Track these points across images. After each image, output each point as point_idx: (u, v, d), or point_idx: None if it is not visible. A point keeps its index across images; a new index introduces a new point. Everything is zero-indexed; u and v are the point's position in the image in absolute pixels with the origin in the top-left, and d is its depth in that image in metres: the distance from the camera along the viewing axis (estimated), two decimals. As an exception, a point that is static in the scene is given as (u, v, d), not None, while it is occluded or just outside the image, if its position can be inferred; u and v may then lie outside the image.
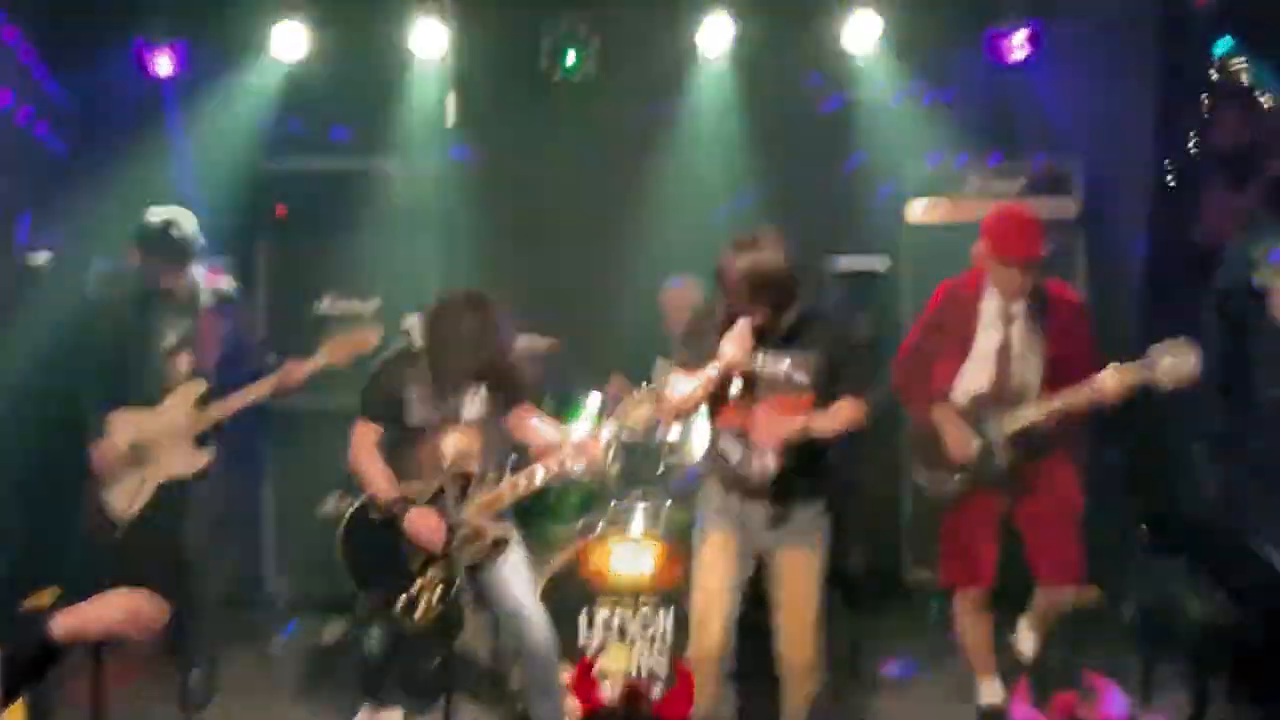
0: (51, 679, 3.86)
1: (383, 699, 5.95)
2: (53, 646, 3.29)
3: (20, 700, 3.46)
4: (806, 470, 5.13)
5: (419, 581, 5.59)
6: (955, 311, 5.71)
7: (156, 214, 6.16)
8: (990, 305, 5.63)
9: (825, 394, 5.10)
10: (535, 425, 5.76)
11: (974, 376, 5.64)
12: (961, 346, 5.67)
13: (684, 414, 5.38)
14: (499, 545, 5.59)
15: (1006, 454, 5.54)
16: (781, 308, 5.02)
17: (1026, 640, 5.92)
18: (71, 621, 3.31)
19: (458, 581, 5.43)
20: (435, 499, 5.54)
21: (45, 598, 5.71)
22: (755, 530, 5.19)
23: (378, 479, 5.62)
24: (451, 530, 5.36)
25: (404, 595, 5.58)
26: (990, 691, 5.90)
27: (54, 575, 5.97)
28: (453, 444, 5.40)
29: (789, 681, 5.24)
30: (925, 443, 5.78)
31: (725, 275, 5.00)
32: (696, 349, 5.13)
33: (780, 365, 5.09)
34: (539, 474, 5.57)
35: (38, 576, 5.95)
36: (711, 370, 4.98)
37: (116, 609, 3.36)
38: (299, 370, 6.18)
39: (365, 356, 6.11)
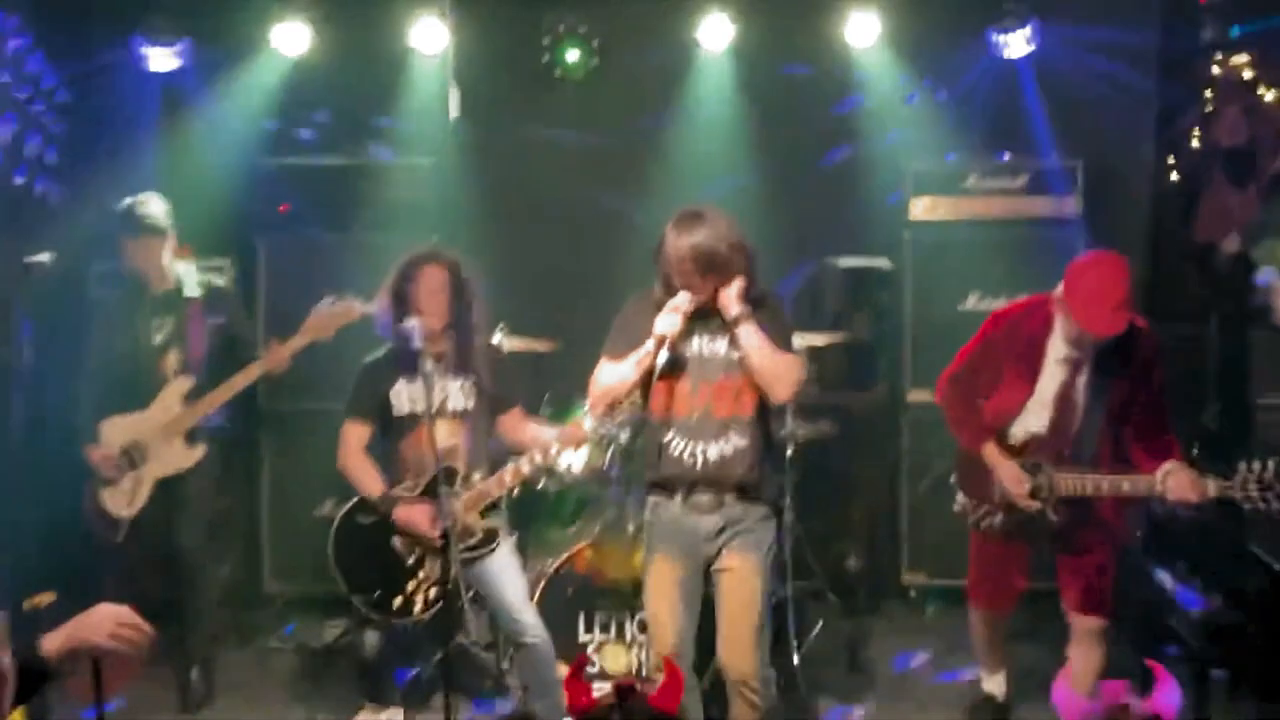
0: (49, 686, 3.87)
1: (383, 699, 5.97)
2: (44, 666, 3.29)
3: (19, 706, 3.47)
4: (752, 460, 4.95)
5: (413, 580, 5.62)
6: (1019, 344, 5.39)
7: (125, 200, 6.24)
8: (1057, 348, 5.31)
9: None
10: (529, 427, 5.81)
11: (1033, 418, 5.39)
12: (1026, 382, 5.37)
13: (611, 401, 5.12)
14: (490, 539, 5.62)
15: (1056, 514, 5.31)
16: (727, 287, 4.88)
17: None
18: (61, 641, 3.31)
19: (452, 577, 5.32)
20: (425, 495, 5.57)
21: (43, 600, 5.75)
22: (701, 540, 4.99)
23: (365, 479, 5.65)
24: (442, 528, 5.34)
25: (399, 595, 5.62)
26: (994, 683, 5.95)
27: (53, 577, 6.01)
28: (439, 438, 5.41)
29: (731, 694, 5.03)
30: (970, 471, 5.56)
31: (666, 254, 4.87)
32: (628, 338, 4.98)
33: (717, 345, 4.95)
34: (525, 466, 5.60)
35: (37, 578, 5.98)
36: (646, 348, 4.85)
37: (103, 628, 3.36)
38: (285, 350, 6.15)
39: (349, 326, 6.16)
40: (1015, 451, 5.40)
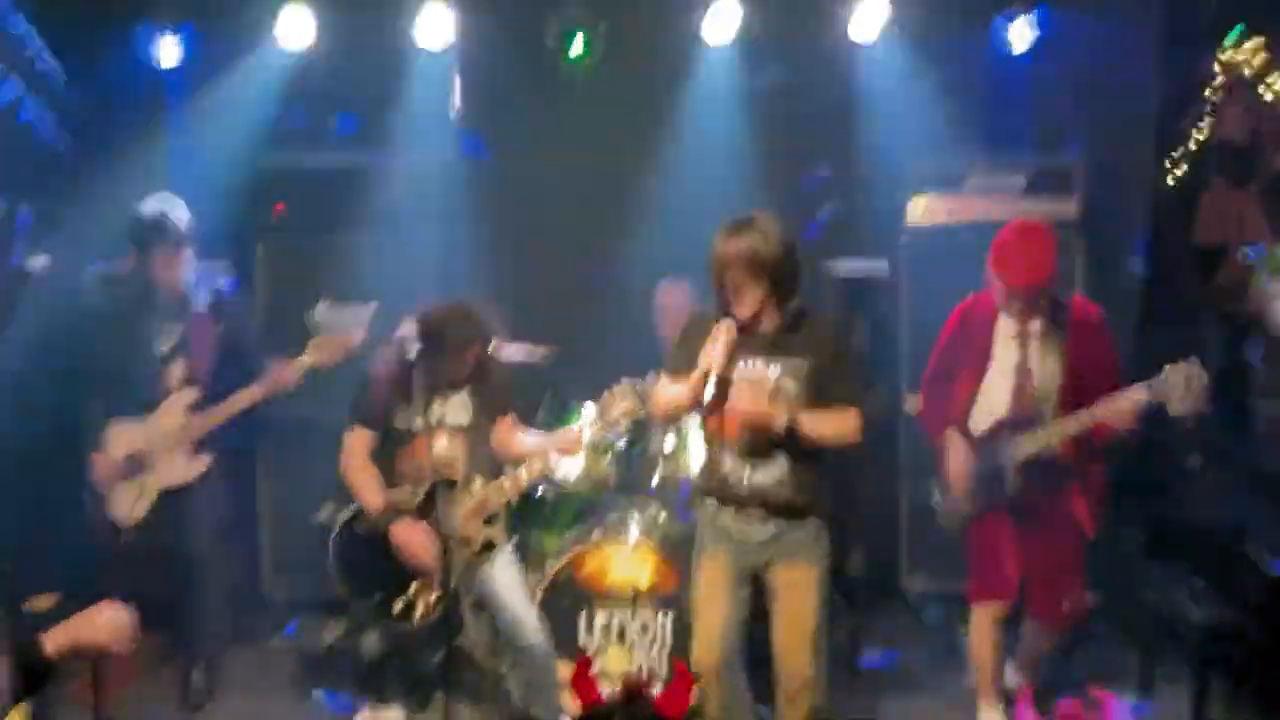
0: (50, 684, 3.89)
1: (382, 699, 5.97)
2: (46, 663, 3.32)
3: (21, 701, 3.49)
4: (801, 482, 4.99)
5: (413, 586, 5.64)
6: (971, 332, 5.64)
7: (148, 204, 6.22)
8: (1007, 324, 5.56)
9: (815, 403, 4.94)
10: (519, 438, 5.80)
11: (993, 398, 5.58)
12: (979, 366, 5.60)
13: (671, 418, 5.24)
14: (489, 548, 5.64)
15: (1017, 480, 5.48)
16: (780, 297, 4.89)
17: (1014, 678, 6.03)
18: (62, 638, 3.35)
19: (452, 585, 5.42)
20: (424, 506, 5.57)
21: (45, 602, 5.77)
22: (751, 548, 5.05)
23: (367, 488, 5.64)
24: (442, 538, 5.39)
25: (399, 601, 5.63)
26: (993, 714, 5.85)
27: (56, 580, 6.03)
28: (438, 449, 5.50)
29: (783, 701, 5.10)
30: (942, 467, 5.76)
31: (719, 260, 4.85)
32: (687, 357, 4.99)
33: (772, 371, 4.93)
34: (524, 476, 5.61)
35: (39, 582, 6.00)
36: (696, 376, 4.86)
37: (101, 626, 3.40)
38: (288, 372, 6.16)
39: (354, 356, 6.13)
40: (981, 439, 5.58)
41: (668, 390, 5.11)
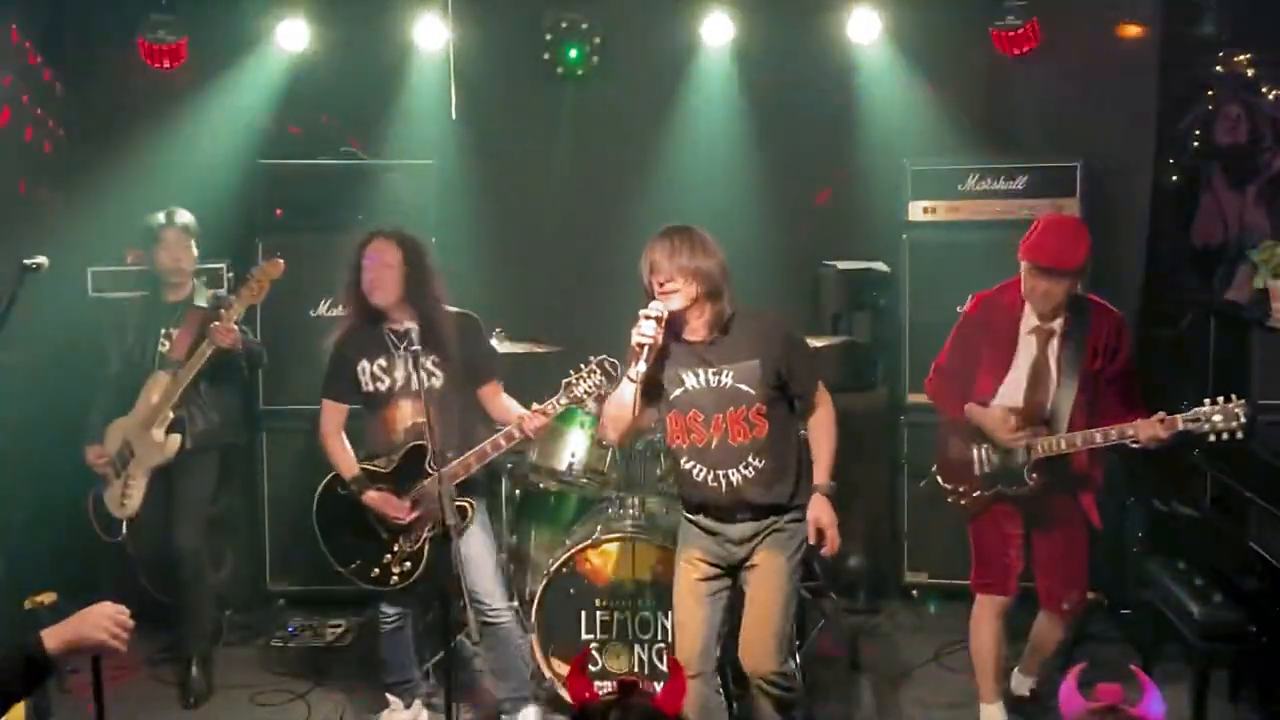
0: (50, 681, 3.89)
1: (407, 692, 5.98)
2: (43, 662, 3.31)
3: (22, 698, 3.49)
4: (781, 471, 5.01)
5: (388, 554, 5.69)
6: (995, 324, 5.54)
7: (160, 211, 6.35)
8: (1029, 321, 5.48)
9: (775, 399, 4.98)
10: (506, 402, 5.80)
11: (1009, 394, 5.50)
12: (1003, 360, 5.50)
13: (623, 430, 5.09)
14: (461, 517, 5.59)
15: (1032, 477, 5.42)
16: (714, 307, 4.88)
17: (1023, 684, 6.02)
18: (62, 636, 3.34)
19: (424, 555, 5.59)
20: (397, 472, 5.62)
21: (43, 600, 5.78)
22: (731, 545, 5.06)
23: (339, 460, 5.73)
24: (414, 503, 5.54)
25: (376, 567, 5.69)
26: (992, 712, 5.78)
27: (53, 577, 6.03)
28: (407, 415, 5.60)
29: (754, 690, 5.08)
30: (948, 455, 5.72)
31: (652, 268, 4.84)
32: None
33: (724, 379, 4.93)
34: (490, 449, 5.59)
35: (37, 578, 6.01)
36: (631, 370, 4.86)
37: (102, 625, 3.40)
38: (228, 321, 6.09)
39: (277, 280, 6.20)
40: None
41: (609, 398, 5.09)
